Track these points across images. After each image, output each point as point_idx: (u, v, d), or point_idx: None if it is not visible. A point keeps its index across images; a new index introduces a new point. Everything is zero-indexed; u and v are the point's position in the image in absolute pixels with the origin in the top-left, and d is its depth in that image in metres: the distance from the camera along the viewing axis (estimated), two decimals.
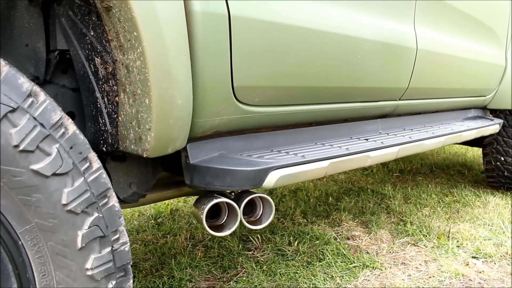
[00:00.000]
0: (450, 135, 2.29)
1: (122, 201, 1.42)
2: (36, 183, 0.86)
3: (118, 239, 0.99)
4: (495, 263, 2.28)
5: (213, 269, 2.17)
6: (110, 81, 1.16)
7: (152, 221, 2.86)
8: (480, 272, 2.19)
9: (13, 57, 1.19)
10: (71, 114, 1.30)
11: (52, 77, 1.27)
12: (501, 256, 2.36)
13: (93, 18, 1.13)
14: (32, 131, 0.86)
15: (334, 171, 1.54)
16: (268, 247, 2.40)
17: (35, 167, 0.86)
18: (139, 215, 2.98)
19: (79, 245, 0.91)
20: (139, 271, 2.13)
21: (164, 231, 2.66)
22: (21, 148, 0.84)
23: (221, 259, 2.27)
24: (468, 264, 2.26)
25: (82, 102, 1.26)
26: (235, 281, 2.05)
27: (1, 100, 0.82)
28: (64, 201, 0.89)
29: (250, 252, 2.35)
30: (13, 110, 0.84)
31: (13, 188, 0.85)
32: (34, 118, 0.86)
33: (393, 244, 2.49)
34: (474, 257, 2.35)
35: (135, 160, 1.40)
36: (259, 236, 2.51)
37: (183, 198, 3.24)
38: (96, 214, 0.94)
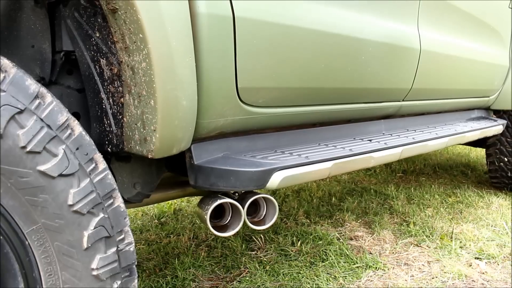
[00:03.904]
0: (454, 136, 2.29)
1: (126, 201, 1.42)
2: (43, 184, 0.87)
3: (123, 239, 1.00)
4: (498, 264, 2.28)
5: (216, 269, 2.18)
6: (115, 82, 1.16)
7: (156, 220, 2.87)
8: (483, 273, 2.19)
9: (19, 58, 1.20)
10: (76, 115, 1.31)
11: (57, 78, 1.27)
12: (504, 257, 2.36)
13: (99, 20, 1.14)
14: (39, 132, 0.86)
15: (337, 172, 1.54)
16: (271, 247, 2.41)
17: (42, 168, 0.86)
18: (142, 215, 2.99)
19: (85, 245, 0.92)
20: (142, 271, 2.14)
21: (167, 230, 2.67)
22: (28, 149, 0.85)
23: (224, 259, 2.28)
24: (471, 265, 2.26)
25: (87, 103, 1.26)
26: (238, 281, 2.06)
27: (9, 101, 0.83)
28: (70, 202, 0.90)
29: (253, 252, 2.36)
30: (21, 112, 0.84)
31: (20, 189, 0.86)
32: (41, 120, 0.87)
33: (396, 244, 2.49)
34: (477, 258, 2.35)
35: (139, 161, 1.41)
36: (262, 236, 2.52)
37: (186, 198, 3.25)
38: (101, 215, 0.95)
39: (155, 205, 3.13)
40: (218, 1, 1.20)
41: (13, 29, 1.18)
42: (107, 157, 1.34)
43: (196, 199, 3.18)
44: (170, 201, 3.18)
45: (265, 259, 2.27)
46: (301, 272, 2.13)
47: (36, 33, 1.20)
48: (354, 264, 2.23)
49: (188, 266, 2.18)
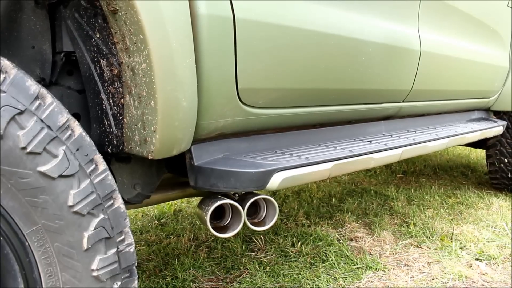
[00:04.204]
0: (454, 137, 2.29)
1: (126, 202, 1.42)
2: (43, 185, 0.87)
3: (123, 240, 1.00)
4: (498, 265, 2.28)
5: (216, 270, 2.18)
6: (116, 83, 1.16)
7: (156, 221, 2.87)
8: (483, 274, 2.18)
9: (20, 59, 1.20)
10: (76, 116, 1.31)
11: (57, 78, 1.28)
12: (504, 258, 2.36)
13: (99, 21, 1.14)
14: (39, 133, 0.86)
15: (337, 173, 1.54)
16: (271, 248, 2.41)
17: (42, 169, 0.86)
18: (142, 216, 2.99)
19: (85, 246, 0.92)
20: (142, 272, 2.14)
21: (167, 231, 2.67)
22: (28, 150, 0.85)
23: (225, 260, 2.28)
24: (471, 266, 2.26)
25: (87, 104, 1.26)
26: (238, 282, 2.06)
27: (9, 102, 0.83)
28: (70, 203, 0.90)
29: (253, 253, 2.36)
30: (21, 113, 0.84)
31: (21, 190, 0.86)
32: (41, 121, 0.87)
33: (396, 245, 2.49)
34: (477, 259, 2.34)
35: (139, 161, 1.41)
36: (262, 237, 2.52)
37: (186, 199, 3.25)
38: (101, 216, 0.95)
39: (155, 206, 3.12)
40: (219, 2, 1.20)
41: (14, 30, 1.18)
42: (107, 158, 1.34)
43: (196, 200, 3.18)
44: (170, 202, 3.18)
45: (265, 260, 2.27)
46: (301, 273, 2.13)
47: (36, 34, 1.20)
48: (354, 265, 2.23)
49: (188, 267, 2.18)
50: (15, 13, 1.17)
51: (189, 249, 2.39)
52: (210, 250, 2.39)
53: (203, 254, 2.32)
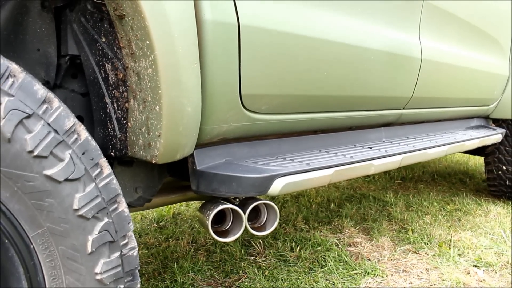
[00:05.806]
0: (453, 144, 2.30)
1: (128, 205, 1.43)
2: (49, 188, 0.88)
3: (127, 244, 1.01)
4: (496, 272, 2.29)
5: (215, 273, 2.18)
6: (121, 87, 1.17)
7: (155, 224, 2.88)
8: (481, 281, 2.19)
9: (25, 61, 1.20)
10: (80, 119, 1.32)
11: (62, 81, 1.28)
12: (502, 265, 2.37)
13: (105, 25, 1.15)
14: (46, 137, 0.87)
15: (338, 179, 1.55)
16: (270, 252, 2.41)
17: (48, 172, 0.87)
18: (141, 218, 2.99)
19: (89, 249, 0.93)
20: (141, 275, 2.14)
21: (166, 234, 2.67)
22: (35, 153, 0.85)
23: (223, 263, 2.28)
24: (469, 273, 2.27)
25: (91, 107, 1.27)
26: (237, 286, 2.06)
27: (17, 106, 0.84)
28: (75, 206, 0.90)
29: (252, 257, 2.36)
30: (28, 116, 0.85)
31: (26, 193, 0.86)
32: (48, 124, 0.88)
33: (395, 251, 2.50)
34: (475, 266, 2.35)
35: (141, 165, 1.41)
36: (261, 242, 2.52)
37: (185, 202, 3.25)
38: (106, 219, 0.95)
39: (154, 208, 3.12)
40: (224, 9, 1.21)
41: (19, 33, 1.18)
42: (109, 161, 1.34)
43: (195, 203, 3.19)
44: (169, 205, 3.18)
45: (264, 264, 2.28)
46: (299, 277, 2.14)
47: (42, 37, 1.21)
48: (353, 270, 2.23)
49: (187, 270, 2.19)
50: (21, 16, 1.18)
51: (188, 253, 2.39)
52: (209, 254, 2.40)
53: (202, 258, 2.33)
